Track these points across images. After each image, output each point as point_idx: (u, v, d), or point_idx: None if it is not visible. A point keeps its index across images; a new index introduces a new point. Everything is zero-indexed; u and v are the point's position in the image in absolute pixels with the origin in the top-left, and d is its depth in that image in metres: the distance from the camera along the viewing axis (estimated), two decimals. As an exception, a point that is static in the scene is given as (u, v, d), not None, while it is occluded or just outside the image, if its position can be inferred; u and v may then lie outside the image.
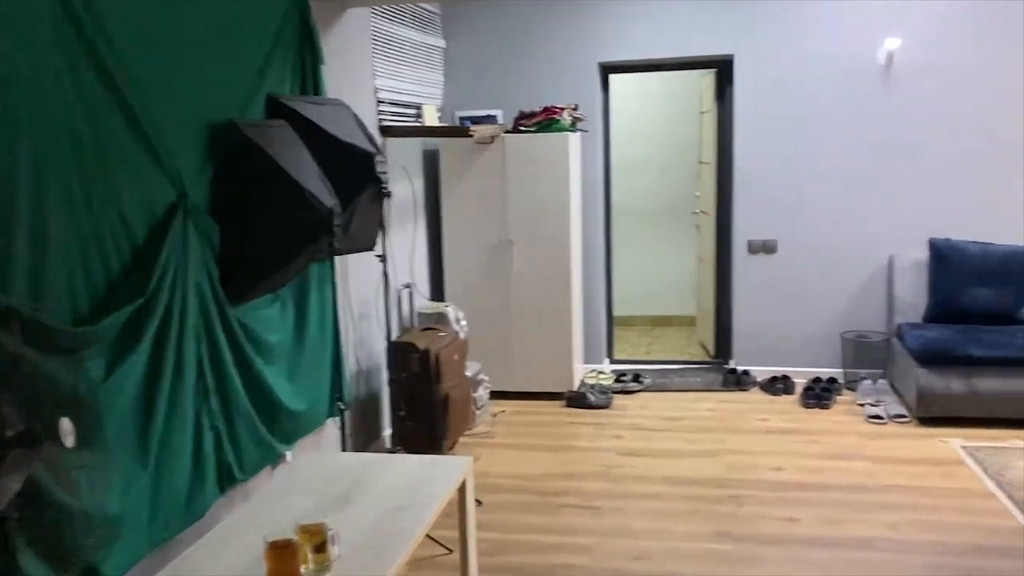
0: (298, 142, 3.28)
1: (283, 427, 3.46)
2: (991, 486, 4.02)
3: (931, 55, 5.39)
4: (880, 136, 5.53)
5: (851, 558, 3.42)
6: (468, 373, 4.95)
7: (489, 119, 5.51)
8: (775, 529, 3.69)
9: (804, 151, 5.64)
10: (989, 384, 4.78)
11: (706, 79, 6.42)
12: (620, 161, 6.57)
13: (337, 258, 4.00)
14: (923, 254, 5.45)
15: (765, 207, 5.74)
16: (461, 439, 4.82)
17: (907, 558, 3.40)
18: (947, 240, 5.38)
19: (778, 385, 5.59)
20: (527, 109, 5.52)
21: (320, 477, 2.97)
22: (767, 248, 5.79)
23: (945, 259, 5.33)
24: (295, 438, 3.58)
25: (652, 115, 7.64)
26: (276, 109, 3.40)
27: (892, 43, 5.35)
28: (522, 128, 5.44)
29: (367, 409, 4.56)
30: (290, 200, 3.06)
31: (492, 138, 5.36)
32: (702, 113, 6.72)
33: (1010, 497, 3.89)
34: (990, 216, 5.42)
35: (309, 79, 3.77)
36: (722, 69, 5.90)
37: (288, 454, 3.47)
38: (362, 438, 4.47)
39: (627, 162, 7.29)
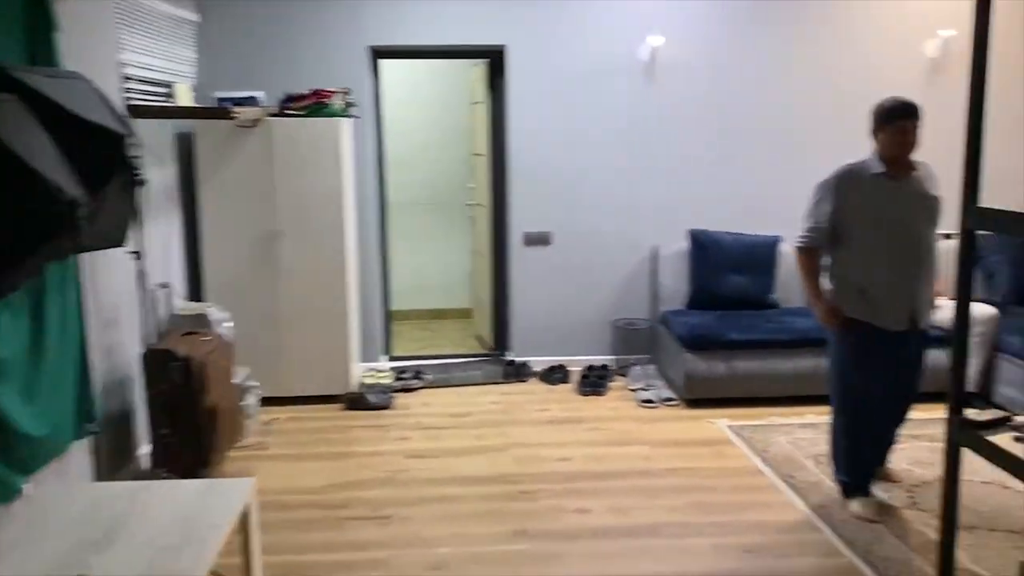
0: (31, 121, 2.76)
1: (20, 456, 2.93)
2: (759, 463, 4.27)
3: (690, 54, 5.67)
4: (645, 131, 5.74)
5: (643, 546, 3.46)
6: (236, 380, 4.53)
7: (250, 101, 5.07)
8: (570, 522, 3.67)
9: (576, 145, 5.73)
10: (748, 366, 5.10)
11: (476, 69, 6.35)
12: (393, 151, 6.34)
13: (82, 256, 3.46)
14: (683, 244, 5.73)
15: (540, 199, 5.78)
16: (231, 453, 4.40)
17: (694, 541, 3.50)
18: (704, 231, 5.68)
19: (556, 374, 5.65)
20: (294, 92, 5.15)
21: (71, 514, 2.52)
22: (542, 240, 5.83)
23: (703, 249, 5.64)
24: (35, 468, 3.05)
25: (424, 104, 7.49)
26: (1, 81, 2.84)
27: (655, 40, 5.56)
28: (289, 112, 5.06)
29: (121, 428, 4.02)
30: (23, 189, 2.55)
31: (256, 121, 4.94)
32: (473, 104, 6.66)
33: (776, 472, 4.14)
34: (742, 208, 5.79)
35: (40, 48, 3.21)
36: (495, 60, 5.85)
37: (27, 487, 2.94)
38: (116, 461, 3.94)
39: (399, 152, 7.07)
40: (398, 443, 4.63)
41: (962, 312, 2.01)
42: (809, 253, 3.71)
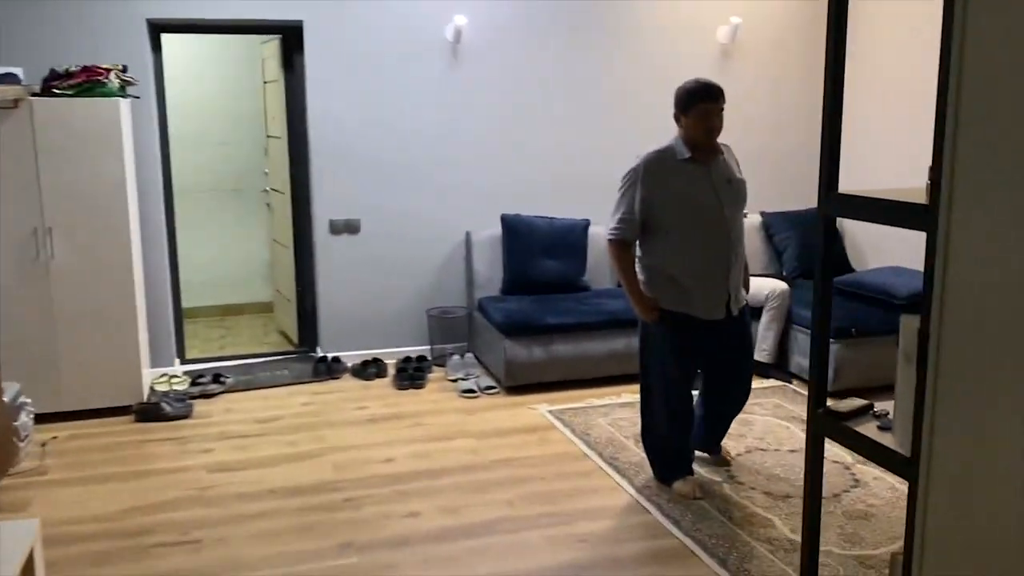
0: None
1: None
2: (582, 447, 4.27)
3: (495, 34, 5.57)
4: (454, 112, 5.59)
5: (479, 546, 3.34)
6: (5, 398, 3.95)
7: (8, 78, 4.41)
8: (400, 529, 3.47)
9: (382, 127, 5.48)
10: (565, 349, 5.11)
11: (269, 46, 5.93)
12: (177, 134, 5.79)
13: None
14: (497, 229, 5.64)
15: (346, 185, 5.48)
16: (3, 482, 3.83)
17: (529, 535, 3.41)
18: (517, 215, 5.63)
19: (370, 369, 5.41)
20: (60, 68, 4.54)
21: None
22: (350, 228, 5.54)
23: (516, 233, 5.58)
24: None
25: (212, 83, 6.92)
26: None
27: (460, 19, 5.40)
28: (56, 91, 4.46)
29: None
30: None
31: (16, 102, 4.31)
32: (266, 83, 6.22)
33: (600, 455, 4.15)
34: (551, 190, 5.79)
35: None
36: (289, 36, 5.47)
37: None
38: None
39: (185, 135, 6.50)
40: (202, 456, 4.23)
41: (823, 304, 2.00)
42: (621, 245, 3.59)
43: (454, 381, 5.25)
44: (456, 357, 5.45)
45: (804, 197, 5.90)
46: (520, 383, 5.07)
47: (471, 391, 5.06)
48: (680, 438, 3.75)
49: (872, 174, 6.10)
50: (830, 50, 1.74)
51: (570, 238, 5.64)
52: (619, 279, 3.71)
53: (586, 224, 5.70)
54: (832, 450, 4.17)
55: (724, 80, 6.02)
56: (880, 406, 2.02)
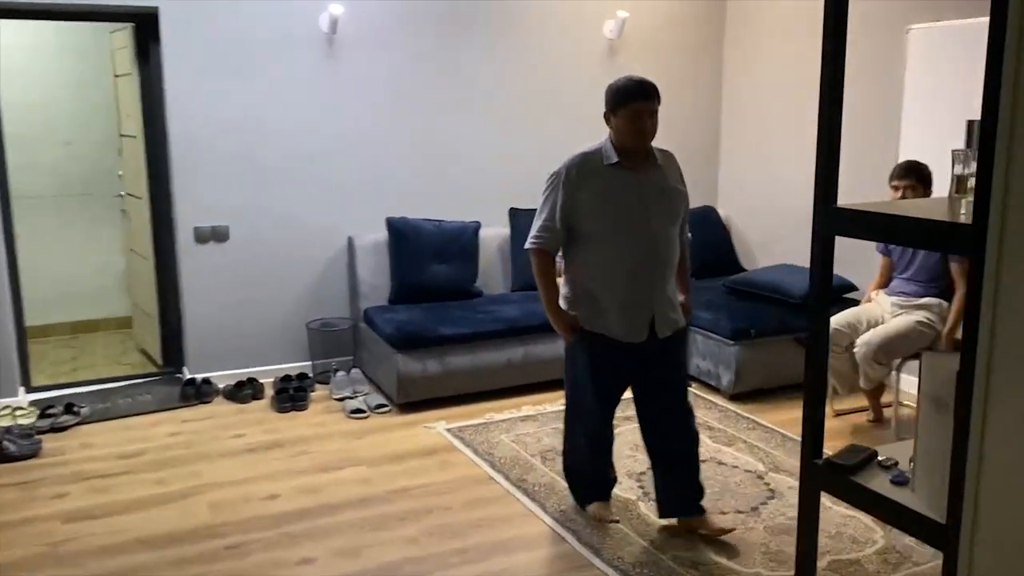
0: None
1: None
2: (487, 468, 3.98)
3: (374, 25, 5.19)
4: (332, 110, 5.17)
5: (384, 593, 3.00)
6: None
7: None
8: (293, 580, 3.09)
9: (252, 125, 5.00)
10: (460, 361, 4.80)
11: (120, 35, 5.33)
12: (15, 132, 5.12)
13: None
14: (382, 234, 5.28)
15: (213, 189, 4.98)
16: None
17: (439, 576, 3.10)
18: (403, 219, 5.28)
19: (246, 391, 4.93)
20: None
21: None
22: (218, 235, 5.04)
23: (403, 238, 5.23)
24: None
25: (54, 76, 6.20)
26: None
27: (336, 9, 4.99)
28: None
29: None
30: None
31: None
32: (117, 76, 5.60)
33: (508, 478, 3.87)
34: (440, 192, 5.47)
35: None
36: (143, 24, 4.91)
37: None
38: None
39: (23, 134, 5.77)
40: (54, 503, 3.68)
41: (819, 340, 1.73)
42: (542, 255, 3.22)
43: (340, 400, 4.85)
44: (341, 374, 5.05)
45: (695, 196, 5.79)
46: (414, 399, 4.73)
47: (360, 411, 4.68)
48: (596, 461, 3.49)
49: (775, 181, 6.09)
50: (827, 51, 1.52)
51: (461, 242, 5.33)
52: (539, 291, 3.31)
53: (477, 227, 5.40)
54: (742, 458, 4.05)
55: (611, 77, 5.91)
56: (885, 452, 1.75)
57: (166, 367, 5.32)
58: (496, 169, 5.61)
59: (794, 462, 4.00)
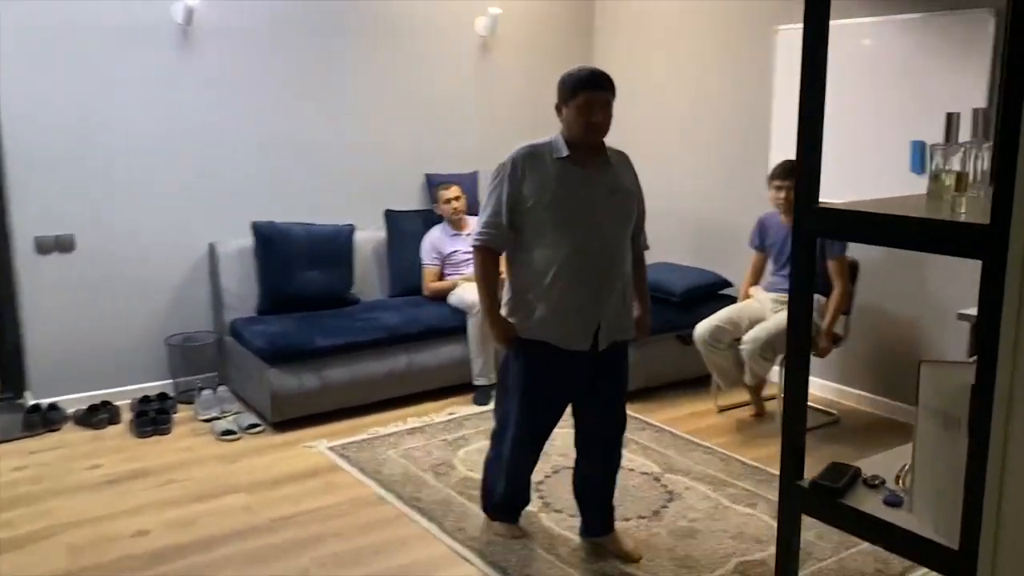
0: None
1: None
2: (377, 488, 3.75)
3: (234, 17, 4.83)
4: (188, 106, 4.77)
5: (278, 636, 2.74)
6: None
7: None
8: (173, 629, 2.78)
9: (98, 124, 4.55)
10: (339, 374, 4.54)
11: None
12: None
13: None
14: (247, 239, 4.93)
15: (54, 195, 4.49)
16: None
17: (338, 611, 2.87)
18: (271, 223, 4.95)
19: (100, 415, 4.48)
20: None
21: None
22: (62, 245, 4.56)
23: (271, 243, 4.91)
24: None
25: None
26: None
27: (191, -1, 4.61)
28: None
29: None
30: None
31: None
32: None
33: (400, 497, 3.66)
34: (312, 195, 5.17)
35: None
36: (-34, 8, 4.36)
37: None
38: None
39: None
40: None
41: (798, 356, 1.61)
42: (486, 253, 2.97)
43: (208, 421, 4.49)
44: (207, 392, 4.68)
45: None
46: (290, 417, 4.43)
47: (231, 432, 4.34)
48: (516, 482, 3.26)
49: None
50: (807, 47, 1.42)
51: (333, 246, 5.06)
52: (479, 294, 3.08)
53: (351, 229, 5.14)
54: (636, 459, 4.02)
55: (485, 74, 5.79)
56: (867, 469, 1.65)
57: (5, 392, 4.76)
58: (370, 169, 5.37)
59: (687, 461, 4.01)
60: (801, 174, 1.45)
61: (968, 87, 3.99)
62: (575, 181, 2.89)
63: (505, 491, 3.28)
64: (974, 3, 3.98)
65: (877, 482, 1.52)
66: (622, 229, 2.97)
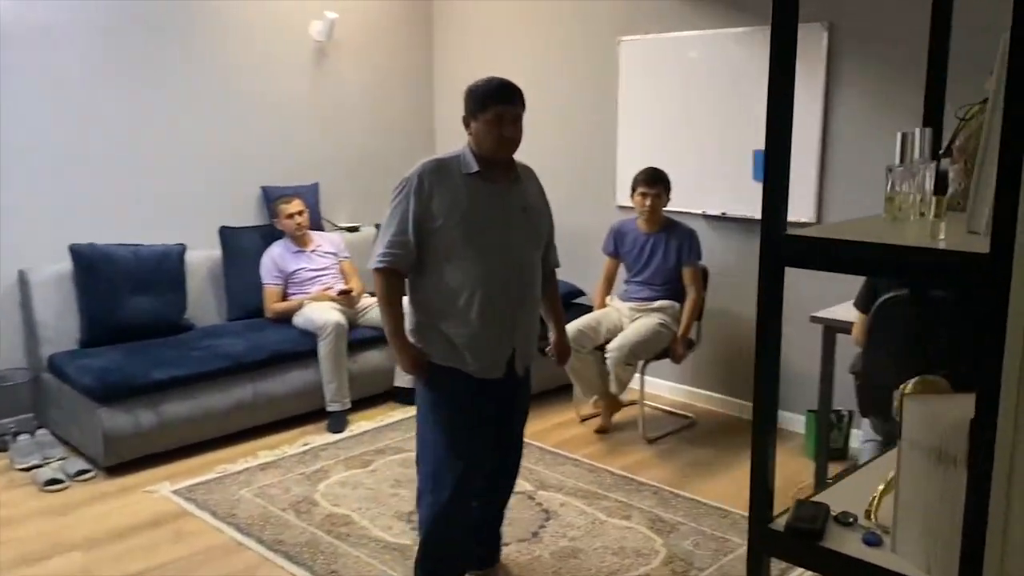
0: None
1: None
2: (233, 533, 3.44)
3: (45, 22, 4.33)
4: (-13, 117, 4.23)
5: None
6: None
7: None
8: None
9: None
10: (179, 409, 4.15)
11: None
12: None
13: None
14: (65, 264, 4.43)
15: None
16: None
17: None
18: (92, 245, 4.48)
19: None
20: None
21: None
22: None
23: (92, 268, 4.44)
24: None
25: None
26: None
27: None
28: None
29: None
30: None
31: None
32: None
33: (260, 541, 3.37)
34: (137, 213, 4.72)
35: None
36: None
37: None
38: None
39: None
40: None
41: (765, 390, 1.52)
42: (389, 276, 2.71)
43: (27, 470, 3.99)
44: (24, 437, 4.16)
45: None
46: (126, 459, 4.01)
47: (57, 481, 3.87)
48: (451, 532, 2.83)
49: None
50: (775, 66, 1.34)
51: (163, 268, 4.64)
52: (383, 320, 2.77)
53: (182, 250, 4.73)
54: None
55: (323, 82, 5.51)
56: (836, 504, 1.54)
57: None
58: (201, 184, 4.97)
59: (558, 476, 3.96)
60: (767, 200, 1.38)
61: (804, 99, 4.18)
62: (487, 198, 2.70)
63: (439, 551, 2.86)
64: (806, 17, 4.17)
65: (850, 520, 1.47)
66: (535, 248, 2.83)
